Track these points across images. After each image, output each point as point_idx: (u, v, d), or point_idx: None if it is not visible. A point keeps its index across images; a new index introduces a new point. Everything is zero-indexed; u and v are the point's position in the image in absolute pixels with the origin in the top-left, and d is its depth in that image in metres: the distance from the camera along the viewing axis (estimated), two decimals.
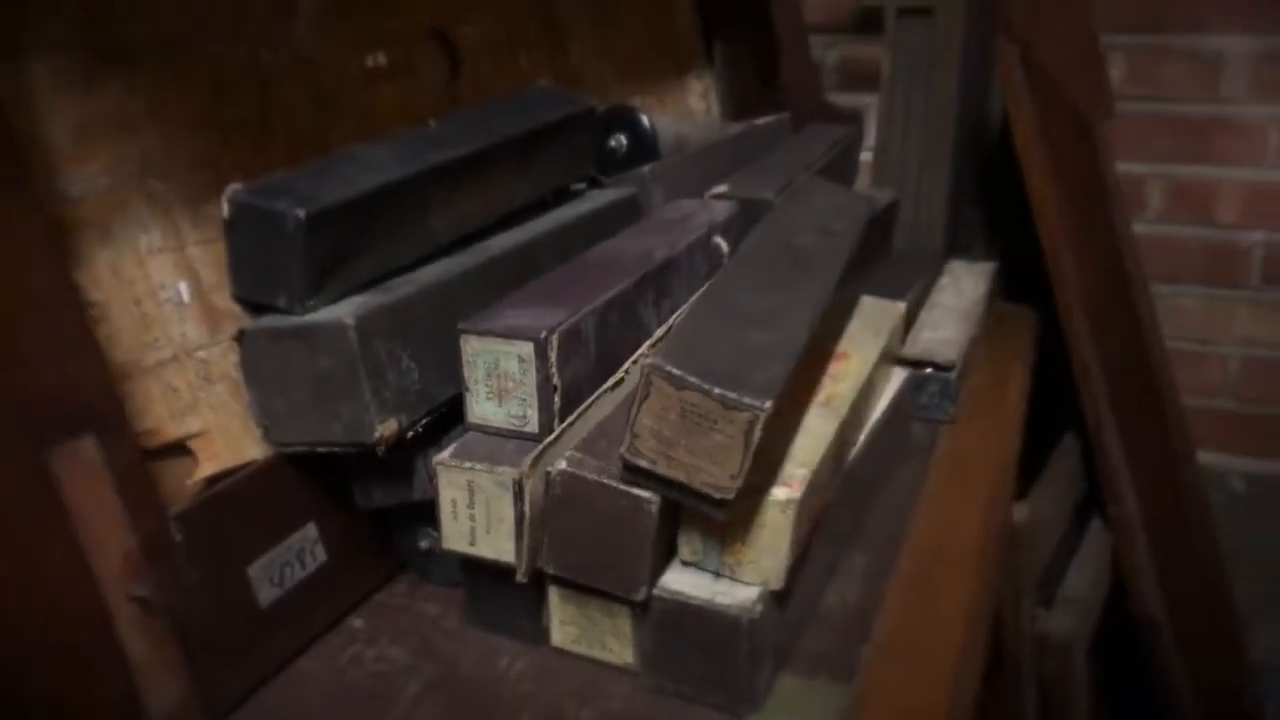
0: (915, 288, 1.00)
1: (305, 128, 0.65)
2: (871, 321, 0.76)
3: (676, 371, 0.47)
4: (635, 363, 0.61)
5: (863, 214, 0.75)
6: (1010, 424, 0.90)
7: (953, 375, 0.86)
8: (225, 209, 0.55)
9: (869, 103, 1.33)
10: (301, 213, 0.53)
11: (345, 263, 0.58)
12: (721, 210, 0.81)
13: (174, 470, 0.55)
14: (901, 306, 0.80)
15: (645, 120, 0.89)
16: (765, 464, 0.54)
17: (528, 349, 0.54)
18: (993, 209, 1.24)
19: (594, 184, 0.85)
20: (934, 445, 0.84)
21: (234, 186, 0.55)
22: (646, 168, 0.85)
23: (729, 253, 0.77)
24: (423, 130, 0.67)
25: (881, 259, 1.10)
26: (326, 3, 0.67)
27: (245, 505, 0.56)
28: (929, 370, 0.86)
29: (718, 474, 0.47)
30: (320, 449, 0.56)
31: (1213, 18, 1.26)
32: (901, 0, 1.27)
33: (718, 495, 0.48)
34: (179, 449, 0.55)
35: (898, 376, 0.80)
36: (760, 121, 1.14)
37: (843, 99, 1.47)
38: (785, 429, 0.57)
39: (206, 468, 0.56)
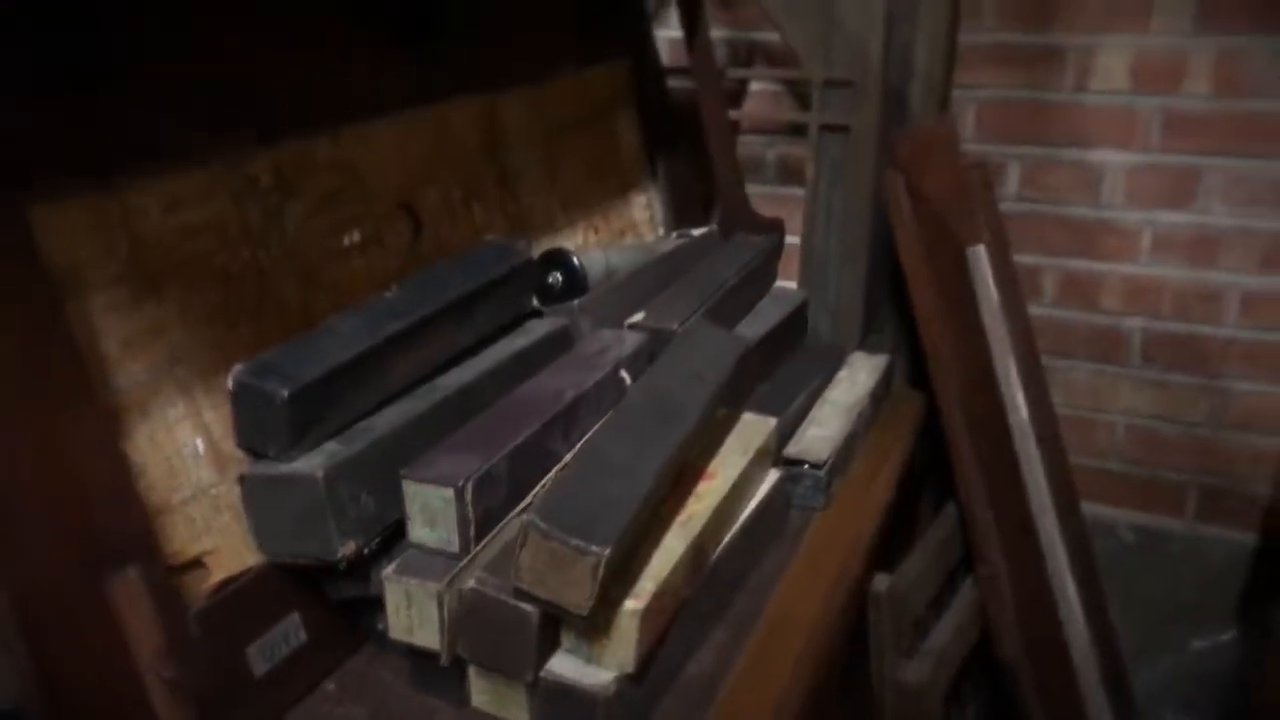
0: (809, 387, 1.19)
1: (292, 304, 0.85)
2: (744, 438, 0.96)
3: (544, 525, 0.66)
4: (535, 495, 0.81)
5: (733, 358, 0.94)
6: (874, 509, 1.09)
7: (823, 472, 1.05)
8: (231, 384, 0.75)
9: (800, 195, 1.52)
10: (285, 391, 0.73)
11: (320, 420, 0.77)
12: (632, 342, 1.00)
13: (193, 578, 0.75)
14: (772, 423, 1.00)
15: (576, 260, 1.09)
16: (624, 578, 0.73)
17: (450, 493, 0.74)
18: (903, 297, 1.43)
19: (535, 313, 1.05)
20: (804, 531, 1.03)
21: (237, 367, 0.75)
22: (576, 302, 1.05)
23: (631, 382, 0.96)
24: (384, 299, 0.87)
25: (794, 350, 1.30)
26: (311, 205, 0.87)
27: (245, 602, 0.76)
28: (805, 467, 1.05)
29: (576, 598, 0.67)
30: (300, 560, 0.76)
31: (1093, 136, 1.45)
32: (822, 118, 1.46)
33: (576, 612, 0.67)
34: (196, 563, 0.75)
35: (773, 475, 1.00)
36: (694, 233, 1.34)
37: (779, 189, 1.66)
38: (643, 549, 0.77)
39: (216, 575, 0.76)
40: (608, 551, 0.65)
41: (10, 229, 0.64)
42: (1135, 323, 1.50)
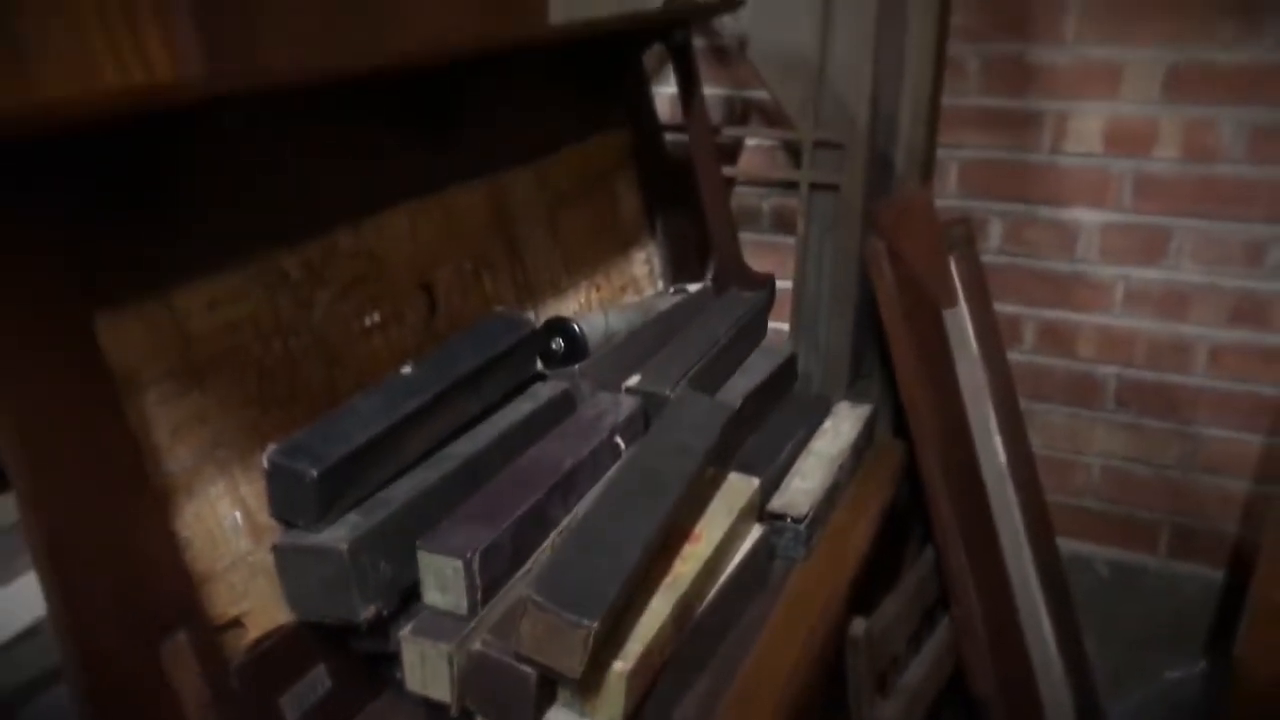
0: (794, 439, 1.27)
1: (319, 385, 0.94)
2: (729, 499, 1.05)
3: (541, 600, 0.76)
4: (535, 559, 0.90)
5: (718, 427, 1.03)
6: (852, 559, 1.17)
7: (804, 525, 1.13)
8: (266, 464, 0.84)
9: (793, 243, 1.61)
10: (314, 471, 0.83)
11: (344, 494, 0.87)
12: (627, 407, 1.09)
13: (232, 636, 0.84)
14: (755, 483, 1.08)
15: (576, 327, 1.18)
16: (613, 641, 0.82)
17: (459, 563, 0.83)
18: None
19: (539, 376, 1.15)
20: (785, 581, 1.12)
21: (271, 448, 0.84)
22: (577, 366, 1.14)
23: (625, 447, 1.05)
24: (400, 377, 0.96)
25: (783, 400, 1.38)
26: (335, 292, 0.96)
27: (278, 657, 0.85)
28: (787, 520, 1.14)
29: (570, 664, 0.76)
30: (327, 620, 0.86)
31: (1069, 195, 1.53)
32: (812, 177, 1.55)
33: (570, 675, 0.77)
34: (235, 622, 0.84)
35: (757, 530, 1.09)
36: (690, 288, 1.43)
37: (774, 238, 1.75)
38: (631, 613, 0.86)
39: (253, 633, 0.85)
40: (596, 625, 0.75)
41: (78, 338, 0.73)
42: (1110, 370, 1.59)
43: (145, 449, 0.78)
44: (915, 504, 1.47)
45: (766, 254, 1.74)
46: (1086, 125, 1.48)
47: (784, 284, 1.58)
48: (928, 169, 1.55)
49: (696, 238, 1.58)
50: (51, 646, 0.82)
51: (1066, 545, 1.65)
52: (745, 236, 1.74)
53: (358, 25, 1.03)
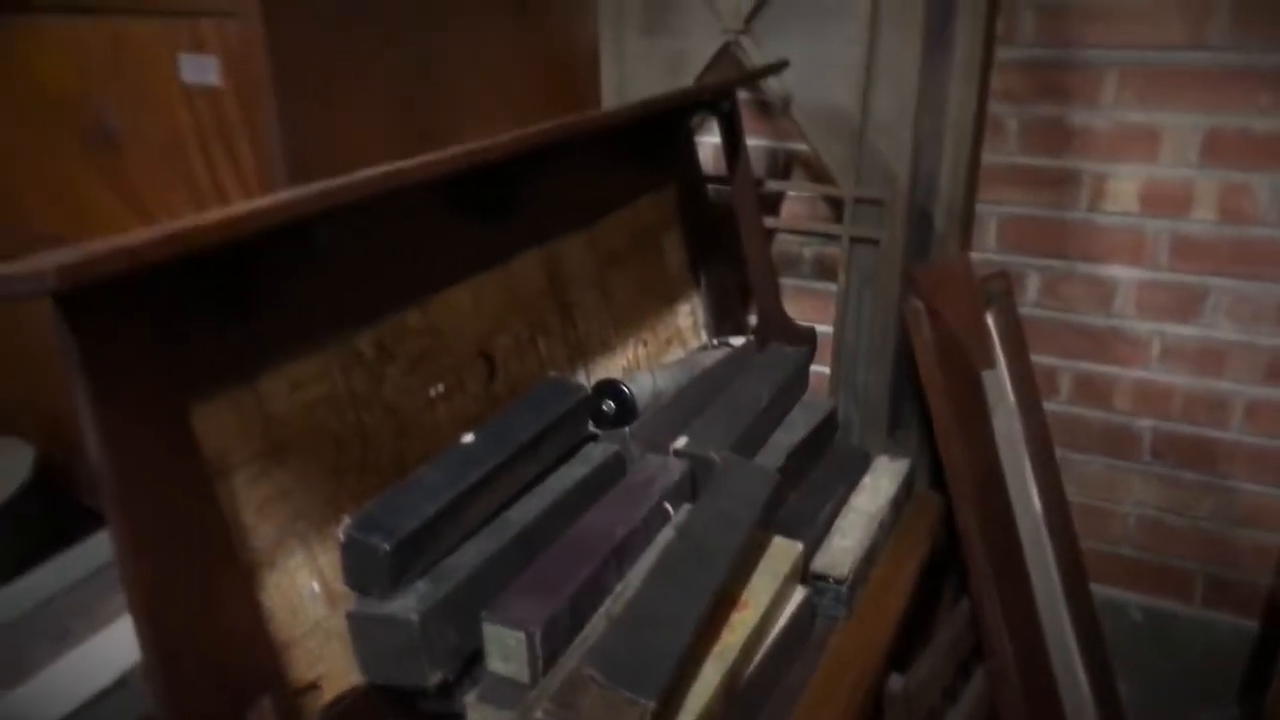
0: (835, 496, 1.32)
1: (388, 456, 1.00)
2: (774, 564, 1.09)
3: (601, 678, 0.81)
4: (591, 626, 0.95)
5: (765, 495, 1.08)
6: (891, 616, 1.21)
7: (844, 588, 1.18)
8: (342, 537, 0.90)
9: (833, 289, 1.65)
10: (387, 546, 0.88)
11: (414, 563, 0.93)
12: (676, 470, 1.14)
13: (310, 698, 0.90)
14: (799, 548, 1.13)
15: (626, 389, 1.23)
16: (666, 714, 0.87)
17: (522, 635, 0.88)
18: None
19: (591, 436, 1.20)
20: (827, 640, 1.16)
21: (346, 521, 0.90)
22: (627, 429, 1.19)
23: (674, 512, 1.10)
24: (462, 448, 1.02)
25: (823, 455, 1.43)
26: (404, 367, 1.02)
27: (352, 718, 0.91)
28: (829, 581, 1.18)
29: None
30: (397, 684, 0.91)
31: (1106, 252, 1.56)
32: (853, 231, 1.59)
33: None
34: (312, 685, 0.90)
35: (800, 592, 1.13)
36: (733, 342, 1.48)
37: (814, 284, 1.79)
38: (682, 685, 0.91)
39: (328, 695, 0.91)
40: (653, 704, 0.80)
41: (176, 430, 0.79)
42: (1146, 423, 1.61)
43: (234, 527, 0.84)
44: (951, 553, 1.51)
45: (806, 299, 1.78)
46: (1124, 186, 1.50)
47: (824, 329, 1.62)
48: (967, 225, 1.59)
49: (738, 285, 1.62)
50: (140, 700, 0.89)
51: (1101, 591, 1.68)
52: (786, 282, 1.79)
53: (425, 119, 1.10)
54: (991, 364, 1.33)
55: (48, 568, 1.16)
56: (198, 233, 0.65)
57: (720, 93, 1.37)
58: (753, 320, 1.64)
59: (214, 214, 0.68)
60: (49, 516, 1.25)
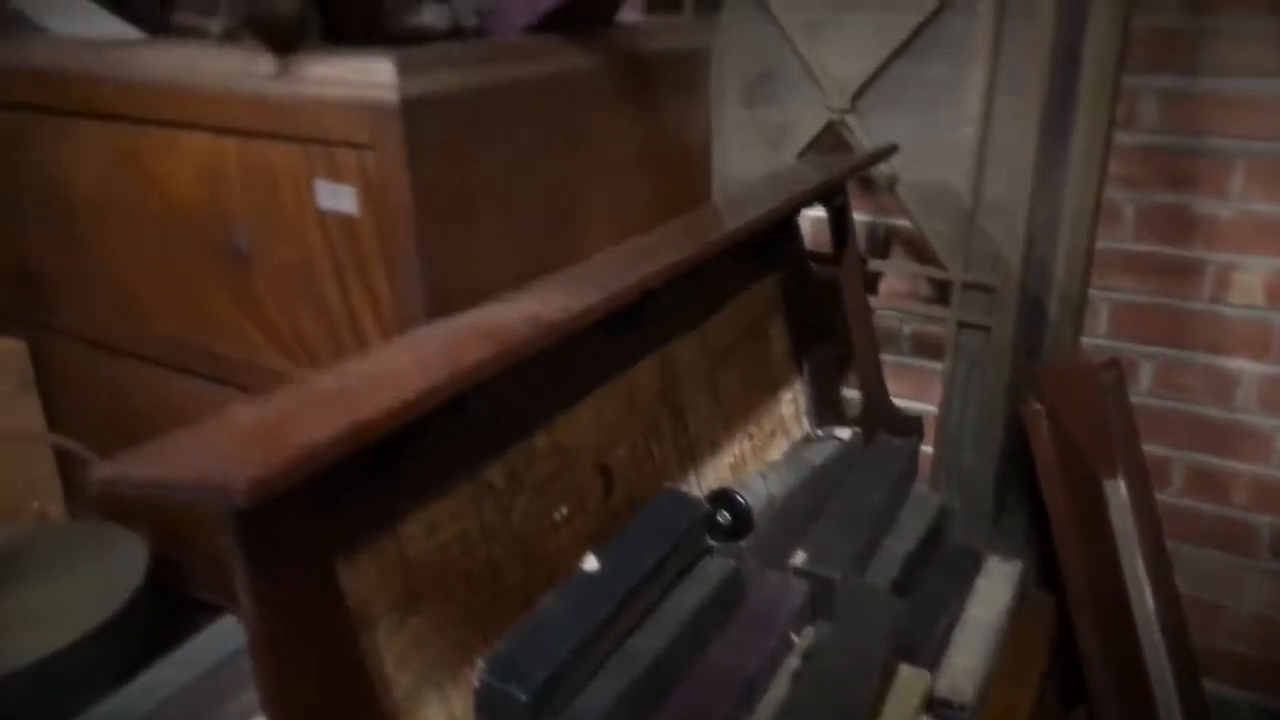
0: (951, 608, 1.28)
1: (514, 585, 0.98)
2: (902, 698, 1.06)
3: None
4: None
5: (891, 625, 1.04)
6: None
7: (966, 715, 1.14)
8: (477, 684, 0.88)
9: (933, 367, 1.61)
10: (524, 696, 0.86)
11: (550, 707, 0.90)
12: (798, 594, 1.11)
13: None
14: (927, 677, 1.09)
15: (741, 499, 1.20)
16: None
17: None
18: (1034, 484, 1.50)
19: (707, 549, 1.17)
20: None
21: (480, 666, 0.88)
22: (743, 543, 1.16)
23: (798, 640, 1.07)
24: (586, 575, 0.99)
25: (932, 558, 1.39)
26: (532, 493, 1.00)
27: None
28: (955, 708, 1.15)
29: None
30: None
31: (1228, 345, 1.50)
32: (961, 316, 1.55)
33: None
34: None
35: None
36: (838, 433, 1.44)
37: (914, 361, 1.75)
38: None
39: None
40: None
41: (325, 590, 0.78)
42: (1265, 519, 1.55)
43: (378, 680, 0.83)
44: (1063, 655, 1.46)
45: (905, 377, 1.74)
46: (1250, 279, 1.45)
47: (922, 406, 1.58)
48: (1080, 314, 1.54)
49: (839, 361, 1.59)
50: None
51: (1211, 687, 1.62)
52: (886, 358, 1.75)
53: (555, 237, 1.08)
54: (1114, 474, 1.29)
55: (164, 665, 1.15)
56: (379, 423, 0.64)
57: (833, 189, 1.34)
58: (850, 393, 1.61)
59: (387, 400, 0.66)
60: (160, 611, 1.25)
